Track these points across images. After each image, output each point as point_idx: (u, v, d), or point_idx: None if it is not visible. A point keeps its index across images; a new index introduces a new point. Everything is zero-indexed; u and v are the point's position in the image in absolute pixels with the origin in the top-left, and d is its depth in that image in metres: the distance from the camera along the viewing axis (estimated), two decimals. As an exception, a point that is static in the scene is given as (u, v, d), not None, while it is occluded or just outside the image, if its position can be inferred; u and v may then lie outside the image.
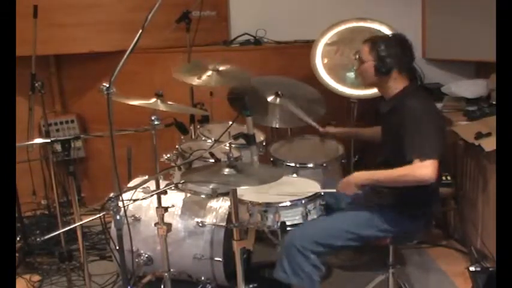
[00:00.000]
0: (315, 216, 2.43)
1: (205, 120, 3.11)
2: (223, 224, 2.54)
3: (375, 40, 2.35)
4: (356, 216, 2.34)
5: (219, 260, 2.53)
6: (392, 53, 2.29)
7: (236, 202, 2.19)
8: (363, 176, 2.30)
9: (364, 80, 2.43)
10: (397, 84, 2.32)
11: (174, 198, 2.63)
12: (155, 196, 2.28)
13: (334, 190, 2.41)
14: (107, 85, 1.79)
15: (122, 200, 1.92)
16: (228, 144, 2.19)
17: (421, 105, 2.25)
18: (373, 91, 3.15)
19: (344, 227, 2.30)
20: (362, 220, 2.31)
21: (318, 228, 2.33)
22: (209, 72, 2.89)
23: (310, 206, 2.42)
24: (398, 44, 2.33)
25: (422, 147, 2.14)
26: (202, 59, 3.08)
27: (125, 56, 1.81)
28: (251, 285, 2.29)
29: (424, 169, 2.11)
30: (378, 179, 2.26)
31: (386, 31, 3.20)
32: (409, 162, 2.15)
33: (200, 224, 2.55)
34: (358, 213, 2.35)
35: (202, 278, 2.59)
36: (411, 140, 2.17)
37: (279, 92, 3.09)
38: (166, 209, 2.33)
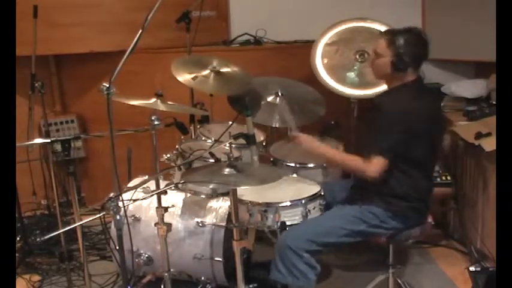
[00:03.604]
0: (315, 216, 2.43)
1: (205, 120, 3.11)
2: (223, 224, 2.54)
3: (394, 34, 2.32)
4: (347, 212, 2.37)
5: (219, 260, 2.53)
6: (410, 50, 2.28)
7: (236, 202, 2.19)
8: (325, 152, 2.48)
9: (377, 73, 2.43)
10: (405, 79, 2.34)
11: (174, 198, 2.63)
12: (155, 196, 2.28)
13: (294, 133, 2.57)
14: (107, 85, 1.79)
15: (122, 200, 1.92)
16: (228, 144, 2.19)
17: (397, 103, 2.30)
18: (373, 91, 3.16)
19: (336, 224, 2.32)
20: (352, 216, 2.34)
21: (310, 226, 2.35)
22: (206, 72, 2.87)
23: (310, 206, 2.42)
24: (417, 40, 2.32)
25: (375, 145, 2.26)
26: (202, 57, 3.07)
27: (125, 56, 1.81)
28: (251, 285, 2.29)
29: (371, 169, 2.26)
30: (329, 158, 2.47)
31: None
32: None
33: (200, 224, 2.55)
34: (349, 210, 2.38)
35: (202, 278, 2.60)
36: (373, 135, 2.30)
37: (279, 92, 3.08)
38: (166, 209, 2.33)
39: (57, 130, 3.80)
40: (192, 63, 2.95)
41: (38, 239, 3.22)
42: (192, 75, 2.82)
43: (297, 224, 2.38)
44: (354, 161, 2.33)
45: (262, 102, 2.96)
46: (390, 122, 2.27)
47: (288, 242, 2.24)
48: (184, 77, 2.82)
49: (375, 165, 2.25)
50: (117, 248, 2.01)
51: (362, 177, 2.31)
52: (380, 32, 2.43)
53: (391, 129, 2.25)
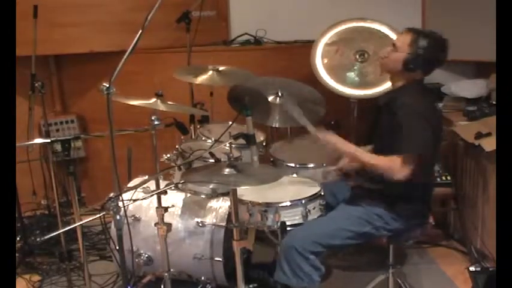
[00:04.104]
0: (315, 216, 2.43)
1: (205, 120, 3.11)
2: (223, 224, 2.54)
3: (419, 34, 2.29)
4: (351, 214, 2.36)
5: (219, 260, 2.53)
6: (428, 54, 2.25)
7: (236, 202, 2.19)
8: (349, 148, 2.36)
9: (386, 66, 2.39)
10: (409, 78, 2.32)
11: (174, 198, 2.63)
12: (155, 196, 2.28)
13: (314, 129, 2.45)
14: (107, 85, 1.79)
15: (122, 200, 1.92)
16: (228, 144, 2.19)
17: (417, 102, 2.26)
18: (373, 91, 3.17)
19: (341, 226, 2.31)
20: (357, 218, 2.33)
21: (315, 228, 2.33)
22: (209, 72, 2.89)
23: (310, 206, 2.42)
24: (440, 46, 2.29)
25: (405, 145, 2.18)
26: (202, 63, 3.08)
27: (125, 56, 1.81)
28: (251, 285, 2.29)
29: (402, 171, 2.17)
30: (357, 157, 2.33)
31: (386, 31, 3.20)
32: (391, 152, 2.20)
33: (200, 224, 2.55)
34: (354, 211, 2.37)
35: (202, 278, 2.59)
36: (401, 136, 2.20)
37: (279, 92, 3.08)
38: (166, 209, 2.33)
39: (57, 130, 3.80)
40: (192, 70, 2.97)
41: (38, 239, 3.22)
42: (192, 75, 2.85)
43: (301, 225, 2.37)
44: (383, 161, 2.22)
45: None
46: (418, 121, 2.20)
47: (294, 243, 2.23)
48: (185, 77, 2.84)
49: (406, 167, 2.17)
50: (117, 248, 2.01)
51: (388, 178, 2.20)
52: (407, 28, 2.35)
53: (421, 128, 2.20)
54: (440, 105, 3.49)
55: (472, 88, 3.50)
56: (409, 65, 2.27)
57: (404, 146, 2.18)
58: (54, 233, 2.41)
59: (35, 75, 3.01)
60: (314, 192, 2.47)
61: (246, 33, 3.88)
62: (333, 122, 3.14)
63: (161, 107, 2.27)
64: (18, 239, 3.18)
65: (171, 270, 2.43)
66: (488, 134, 2.78)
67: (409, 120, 2.20)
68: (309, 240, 2.24)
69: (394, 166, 2.17)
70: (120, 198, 1.91)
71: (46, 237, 2.05)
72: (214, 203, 2.63)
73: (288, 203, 2.39)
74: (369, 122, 2.80)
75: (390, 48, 2.36)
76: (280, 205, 2.38)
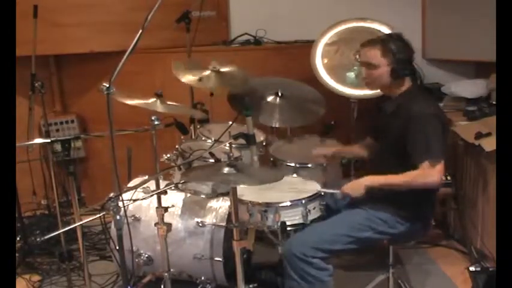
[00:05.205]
0: (315, 216, 2.43)
1: (205, 120, 3.11)
2: (223, 224, 2.54)
3: (385, 42, 2.24)
4: (353, 219, 2.33)
5: (219, 260, 2.53)
6: (405, 54, 2.22)
7: (236, 202, 2.19)
8: (375, 179, 2.28)
9: (375, 85, 2.35)
10: (404, 84, 2.30)
11: (174, 198, 2.63)
12: (155, 196, 2.28)
13: (338, 191, 2.38)
14: (107, 85, 1.79)
15: (122, 200, 1.92)
16: (228, 144, 2.19)
17: (427, 108, 2.23)
18: (373, 91, 3.16)
19: (341, 231, 2.29)
20: (359, 223, 2.30)
21: (315, 234, 2.30)
22: (207, 72, 2.88)
23: (310, 206, 2.42)
24: (405, 44, 2.26)
25: (431, 151, 2.15)
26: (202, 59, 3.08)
27: (125, 56, 1.81)
28: (251, 285, 2.29)
29: (434, 174, 2.14)
30: (391, 183, 2.24)
31: (387, 31, 3.19)
32: (414, 165, 2.15)
33: (200, 224, 2.55)
34: (355, 217, 2.34)
35: (202, 278, 2.59)
36: (419, 144, 2.16)
37: (279, 92, 3.09)
38: (166, 209, 2.33)
39: (57, 130, 3.80)
40: (192, 66, 2.96)
41: (38, 239, 3.22)
42: (196, 77, 2.83)
43: (302, 225, 2.36)
44: (411, 176, 2.17)
45: (262, 102, 2.96)
46: (430, 124, 2.18)
47: (294, 250, 2.22)
48: (186, 77, 2.82)
49: (437, 172, 2.14)
50: (117, 248, 2.01)
51: (426, 187, 2.18)
52: (366, 42, 2.31)
53: (436, 131, 2.18)
54: (441, 105, 3.49)
55: (472, 88, 3.50)
56: (397, 74, 2.24)
57: (430, 152, 2.15)
58: (54, 233, 2.41)
59: (35, 75, 3.02)
60: (314, 192, 2.47)
61: (246, 33, 3.88)
62: (333, 122, 3.15)
63: (159, 108, 2.27)
64: (18, 239, 3.18)
65: (171, 270, 2.43)
66: (488, 134, 2.78)
67: (426, 127, 2.18)
68: (307, 247, 2.22)
69: (422, 176, 2.15)
70: (120, 198, 1.91)
71: (46, 237, 2.05)
72: (214, 203, 2.63)
73: (288, 203, 2.38)
74: (368, 123, 2.80)
75: (365, 69, 2.31)
76: (280, 205, 2.38)
